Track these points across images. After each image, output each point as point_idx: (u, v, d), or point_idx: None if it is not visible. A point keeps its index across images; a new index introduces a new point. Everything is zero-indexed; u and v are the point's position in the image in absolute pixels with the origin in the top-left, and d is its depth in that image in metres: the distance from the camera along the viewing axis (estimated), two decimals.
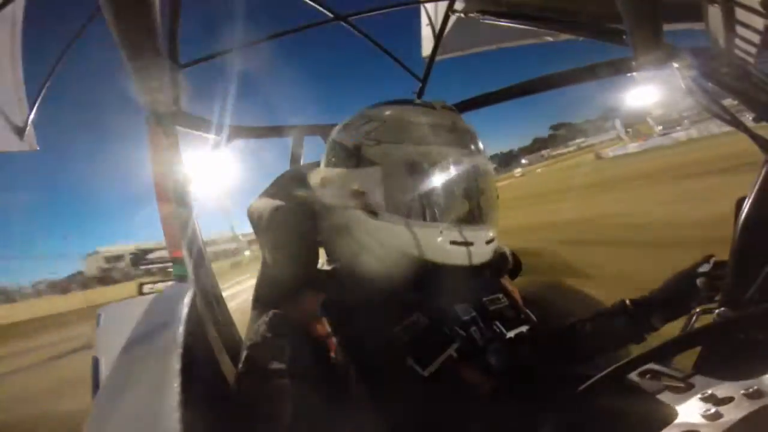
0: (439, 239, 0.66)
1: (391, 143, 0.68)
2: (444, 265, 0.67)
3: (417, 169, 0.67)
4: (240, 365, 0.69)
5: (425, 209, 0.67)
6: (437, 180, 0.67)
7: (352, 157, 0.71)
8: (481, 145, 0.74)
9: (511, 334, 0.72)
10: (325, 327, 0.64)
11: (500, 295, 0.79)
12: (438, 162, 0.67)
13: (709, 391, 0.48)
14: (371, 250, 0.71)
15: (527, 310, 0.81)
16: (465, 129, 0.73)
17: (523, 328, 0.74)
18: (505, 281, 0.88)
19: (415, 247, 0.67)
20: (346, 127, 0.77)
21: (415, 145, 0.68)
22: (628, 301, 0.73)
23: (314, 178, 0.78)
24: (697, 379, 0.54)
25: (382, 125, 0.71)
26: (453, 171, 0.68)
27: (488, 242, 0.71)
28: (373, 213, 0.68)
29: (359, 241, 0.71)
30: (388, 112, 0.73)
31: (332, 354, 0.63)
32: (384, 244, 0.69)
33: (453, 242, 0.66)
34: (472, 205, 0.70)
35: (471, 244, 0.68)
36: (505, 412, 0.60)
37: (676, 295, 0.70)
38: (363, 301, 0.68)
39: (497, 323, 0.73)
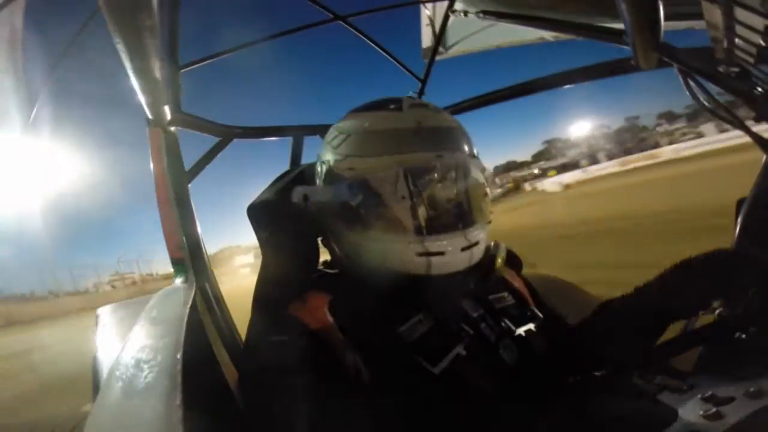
0: (407, 252, 0.65)
1: (355, 157, 0.68)
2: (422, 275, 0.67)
3: (376, 182, 0.65)
4: (250, 365, 0.70)
5: (389, 222, 0.66)
6: (397, 191, 0.64)
7: (326, 173, 0.74)
8: (456, 142, 0.70)
9: (520, 331, 0.72)
10: (332, 328, 0.64)
11: (506, 293, 0.80)
12: (395, 171, 0.64)
13: (710, 392, 0.49)
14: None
15: (533, 308, 0.81)
16: (434, 127, 0.69)
17: (531, 326, 0.74)
18: (512, 278, 0.89)
19: (386, 260, 0.67)
20: (324, 142, 0.78)
21: (375, 157, 0.66)
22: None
23: (295, 194, 0.78)
24: (697, 379, 0.54)
25: (347, 138, 0.71)
26: (414, 178, 0.65)
27: (466, 248, 0.67)
28: (349, 227, 0.70)
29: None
30: (352, 124, 0.74)
31: (342, 354, 0.63)
32: (362, 257, 0.71)
33: (420, 254, 0.65)
34: (438, 210, 0.67)
35: (442, 253, 0.65)
36: (513, 408, 0.60)
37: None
38: (369, 301, 0.68)
39: (505, 320, 0.73)
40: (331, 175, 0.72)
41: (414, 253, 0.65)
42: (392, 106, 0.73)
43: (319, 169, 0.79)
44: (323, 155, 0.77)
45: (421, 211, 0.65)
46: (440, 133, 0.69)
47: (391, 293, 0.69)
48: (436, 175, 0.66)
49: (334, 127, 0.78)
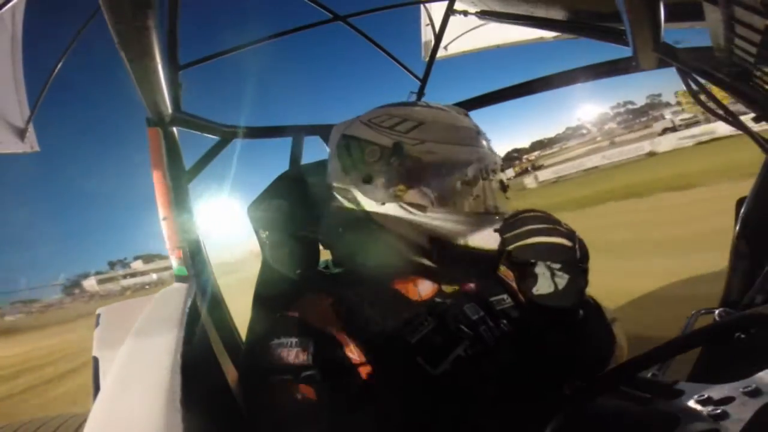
0: (483, 227, 0.71)
1: (434, 143, 0.73)
2: (482, 251, 0.71)
3: (464, 166, 0.72)
4: (251, 366, 0.70)
5: (468, 201, 0.73)
6: (478, 176, 0.74)
7: (393, 155, 0.73)
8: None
9: (518, 333, 0.72)
10: (336, 328, 0.65)
11: (505, 296, 0.80)
12: (481, 161, 0.74)
13: (705, 394, 0.48)
14: (404, 242, 0.73)
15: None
16: (485, 133, 0.79)
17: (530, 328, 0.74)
18: (511, 279, 0.89)
19: (461, 235, 0.71)
20: (373, 125, 0.77)
21: (457, 146, 0.73)
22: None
23: (352, 178, 0.76)
24: (684, 385, 0.54)
25: (422, 125, 0.74)
26: (492, 168, 0.75)
27: None
28: (420, 207, 0.71)
29: (393, 235, 0.73)
30: (422, 114, 0.76)
31: (345, 355, 0.63)
32: (429, 235, 0.72)
33: (496, 230, 0.70)
34: (504, 197, 0.78)
35: None
36: (511, 411, 0.60)
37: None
38: (372, 301, 0.69)
39: (504, 322, 0.74)
40: (404, 157, 0.72)
41: (493, 229, 0.70)
42: (447, 109, 0.80)
43: (363, 153, 0.75)
44: (374, 139, 0.75)
45: (496, 195, 0.76)
46: (489, 139, 0.79)
47: (411, 286, 0.73)
48: (500, 168, 0.78)
49: (387, 114, 0.77)
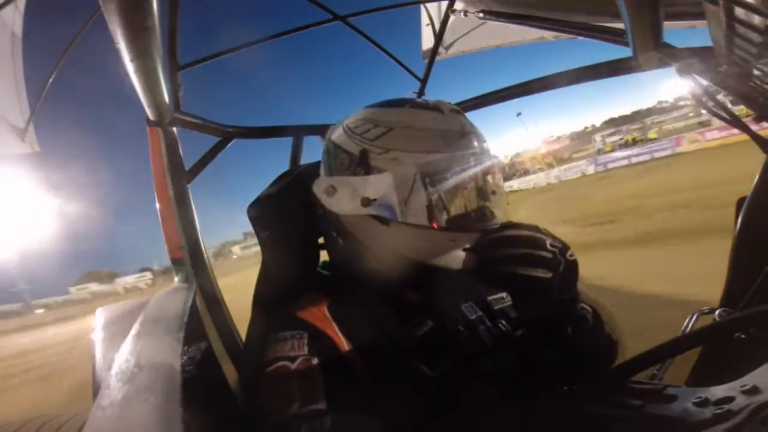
0: (450, 246, 0.66)
1: (400, 151, 0.67)
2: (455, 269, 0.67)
3: (426, 178, 0.66)
4: (250, 364, 0.70)
5: (435, 217, 0.66)
6: (446, 188, 0.67)
7: (360, 164, 0.69)
8: (488, 146, 0.73)
9: (518, 333, 0.72)
10: (333, 329, 0.65)
11: (504, 294, 0.79)
12: (447, 170, 0.67)
13: (702, 396, 0.48)
14: (378, 255, 0.70)
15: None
16: (473, 131, 0.72)
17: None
18: None
19: (426, 254, 0.67)
20: (348, 131, 0.74)
21: (424, 154, 0.67)
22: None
23: (319, 186, 0.75)
24: (676, 390, 0.54)
25: (391, 131, 0.69)
26: (462, 178, 0.68)
27: None
28: (383, 220, 0.67)
29: (366, 246, 0.71)
30: (394, 118, 0.71)
31: (342, 354, 0.64)
32: (393, 251, 0.68)
33: (464, 249, 0.65)
34: (481, 209, 0.70)
35: None
36: (511, 411, 0.60)
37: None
38: (368, 304, 0.69)
39: (503, 322, 0.73)
40: (368, 167, 0.69)
41: (459, 248, 0.65)
42: (431, 107, 0.72)
43: (337, 159, 0.74)
44: (347, 145, 0.72)
45: (467, 208, 0.68)
46: (481, 138, 0.72)
47: (406, 288, 0.70)
48: (479, 175, 0.69)
49: (362, 116, 0.74)
